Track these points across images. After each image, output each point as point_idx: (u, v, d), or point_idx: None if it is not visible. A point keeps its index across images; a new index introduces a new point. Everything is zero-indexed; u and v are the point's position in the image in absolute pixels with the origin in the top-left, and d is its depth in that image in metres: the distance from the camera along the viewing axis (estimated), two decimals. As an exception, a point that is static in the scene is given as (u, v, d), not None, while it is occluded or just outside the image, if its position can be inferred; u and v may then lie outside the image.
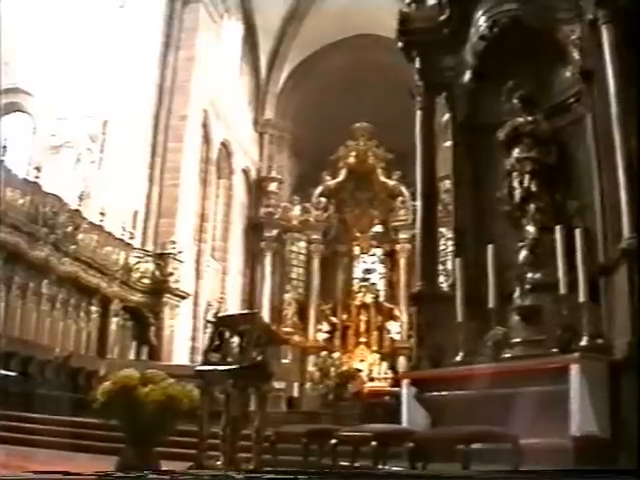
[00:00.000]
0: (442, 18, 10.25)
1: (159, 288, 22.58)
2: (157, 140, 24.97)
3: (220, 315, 16.76)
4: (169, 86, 25.73)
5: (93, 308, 20.35)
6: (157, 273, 22.60)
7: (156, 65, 25.52)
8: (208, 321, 25.12)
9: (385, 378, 28.72)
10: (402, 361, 28.76)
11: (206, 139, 28.63)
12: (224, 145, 30.93)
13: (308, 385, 28.15)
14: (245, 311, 25.60)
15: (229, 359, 6.74)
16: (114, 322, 21.01)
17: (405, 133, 11.50)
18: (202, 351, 8.85)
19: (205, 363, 7.10)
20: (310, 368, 29.71)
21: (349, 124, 33.00)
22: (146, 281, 22.35)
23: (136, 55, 24.20)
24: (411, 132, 10.56)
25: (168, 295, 22.80)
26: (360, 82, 32.74)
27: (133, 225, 22.72)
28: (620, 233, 7.49)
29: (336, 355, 29.88)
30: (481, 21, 9.66)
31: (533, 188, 9.04)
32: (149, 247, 23.43)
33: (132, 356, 21.71)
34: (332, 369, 27.96)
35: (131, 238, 21.96)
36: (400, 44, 10.75)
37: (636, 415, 6.52)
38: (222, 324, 7.30)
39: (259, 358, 6.64)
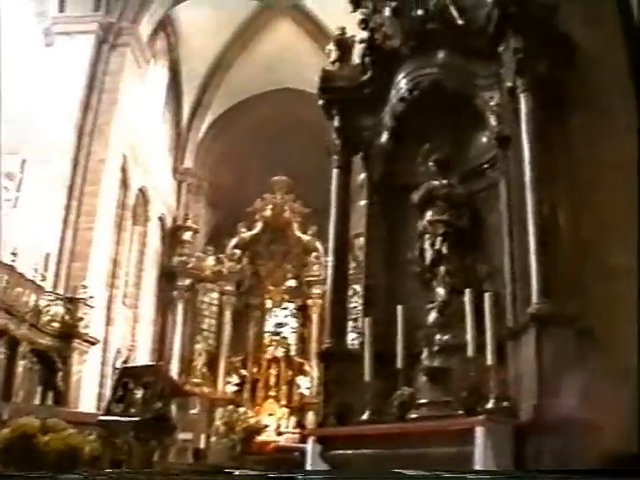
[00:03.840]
0: (364, 78, 10.39)
1: (68, 332, 22.11)
2: (74, 182, 24.67)
3: (124, 366, 16.54)
4: (90, 128, 25.46)
5: (0, 349, 19.92)
6: (67, 317, 22.20)
7: (78, 106, 25.32)
8: (116, 368, 24.81)
9: (293, 433, 28.56)
10: (311, 416, 28.66)
11: (124, 184, 28.43)
12: (141, 191, 30.76)
13: (213, 439, 27.89)
14: (150, 363, 25.40)
15: (132, 410, 6.67)
16: (21, 365, 20.56)
17: (322, 189, 11.58)
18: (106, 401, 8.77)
19: (108, 413, 7.02)
20: (216, 422, 29.47)
21: (268, 177, 33.10)
22: (56, 325, 21.86)
23: (59, 95, 24.11)
24: (328, 188, 10.61)
25: (77, 340, 22.37)
26: (281, 135, 32.97)
27: (45, 267, 22.37)
28: (529, 298, 7.58)
29: (242, 409, 29.70)
30: (402, 83, 9.81)
31: (444, 251, 9.15)
32: (60, 290, 23.05)
33: (38, 401, 21.26)
34: (238, 423, 27.77)
35: (42, 280, 21.61)
36: (321, 101, 10.87)
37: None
38: (126, 375, 7.24)
39: (162, 411, 6.58)
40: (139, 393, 6.64)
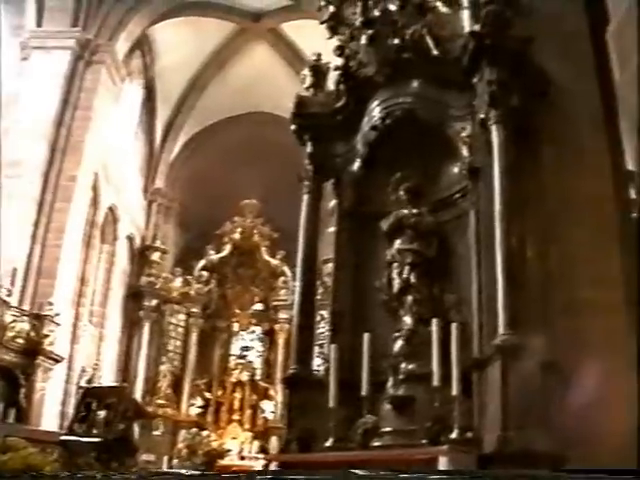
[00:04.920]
0: (338, 105, 10.41)
1: (33, 349, 21.88)
2: (45, 198, 24.54)
3: (88, 386, 16.33)
4: (62, 145, 25.34)
5: (-37, 365, 19.74)
6: (32, 334, 22.01)
7: (51, 122, 25.23)
8: (80, 387, 24.62)
9: (256, 457, 28.44)
10: (274, 441, 28.55)
11: (94, 202, 28.27)
12: (111, 210, 30.63)
13: (176, 461, 27.74)
14: (114, 384, 25.24)
15: (94, 431, 6.61)
16: (-16, 380, 20.39)
17: (292, 213, 11.56)
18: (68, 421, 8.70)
19: (70, 433, 6.96)
20: (179, 445, 29.30)
21: (238, 200, 33.10)
22: (20, 341, 21.67)
23: (33, 109, 24.06)
24: (298, 213, 10.60)
25: (42, 357, 22.16)
26: (253, 158, 33.01)
27: (12, 282, 22.21)
28: (495, 329, 7.60)
29: (205, 433, 29.55)
30: (375, 112, 9.86)
31: (412, 280, 9.16)
32: (26, 306, 22.86)
33: (-1, 417, 21.05)
34: (201, 446, 27.64)
35: (8, 295, 21.43)
36: (294, 127, 10.88)
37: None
38: (90, 395, 7.19)
39: (125, 432, 6.54)
40: (102, 414, 6.59)
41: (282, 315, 31.86)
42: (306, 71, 11.43)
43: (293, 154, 12.14)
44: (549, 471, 6.05)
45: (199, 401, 31.68)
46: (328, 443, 8.60)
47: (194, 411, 31.50)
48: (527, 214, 8.21)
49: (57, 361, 23.09)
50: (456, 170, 9.44)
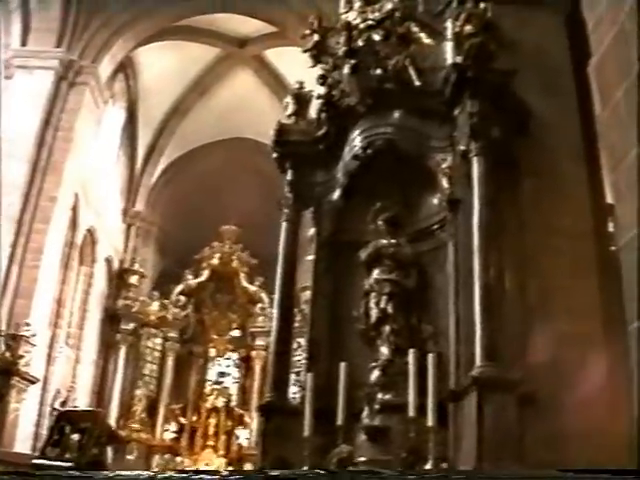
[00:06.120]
0: (319, 134, 10.42)
1: (8, 370, 21.76)
2: (24, 218, 24.44)
3: (62, 410, 16.13)
4: (43, 165, 25.25)
5: (-64, 384, 19.59)
6: (7, 354, 21.90)
7: (33, 142, 25.16)
8: (54, 409, 24.45)
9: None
10: (249, 468, 28.39)
11: (73, 223, 28.11)
12: (90, 232, 30.45)
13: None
14: (88, 408, 25.03)
15: (67, 455, 6.56)
16: (-43, 400, 20.24)
17: (271, 240, 11.55)
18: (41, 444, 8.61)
19: (42, 456, 6.89)
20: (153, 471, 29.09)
21: (218, 225, 33.06)
22: (-5, 361, 21.64)
23: (14, 128, 23.99)
24: (277, 240, 10.58)
25: (17, 378, 22.02)
26: (234, 184, 33.00)
27: (-12, 303, 22.14)
28: (472, 360, 7.61)
29: (179, 458, 29.40)
30: (356, 141, 9.86)
31: (389, 310, 9.15)
32: (2, 327, 22.72)
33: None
34: (174, 471, 27.46)
35: (-16, 315, 21.36)
36: (275, 154, 10.87)
37: None
38: (64, 419, 7.13)
39: (98, 457, 6.49)
40: (75, 438, 6.53)
41: (259, 342, 31.76)
42: (288, 99, 11.44)
43: (274, 181, 12.14)
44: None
45: (174, 426, 31.47)
46: (302, 472, 8.56)
47: (168, 436, 31.28)
48: (506, 246, 8.25)
49: (32, 382, 22.93)
50: (435, 201, 9.48)
